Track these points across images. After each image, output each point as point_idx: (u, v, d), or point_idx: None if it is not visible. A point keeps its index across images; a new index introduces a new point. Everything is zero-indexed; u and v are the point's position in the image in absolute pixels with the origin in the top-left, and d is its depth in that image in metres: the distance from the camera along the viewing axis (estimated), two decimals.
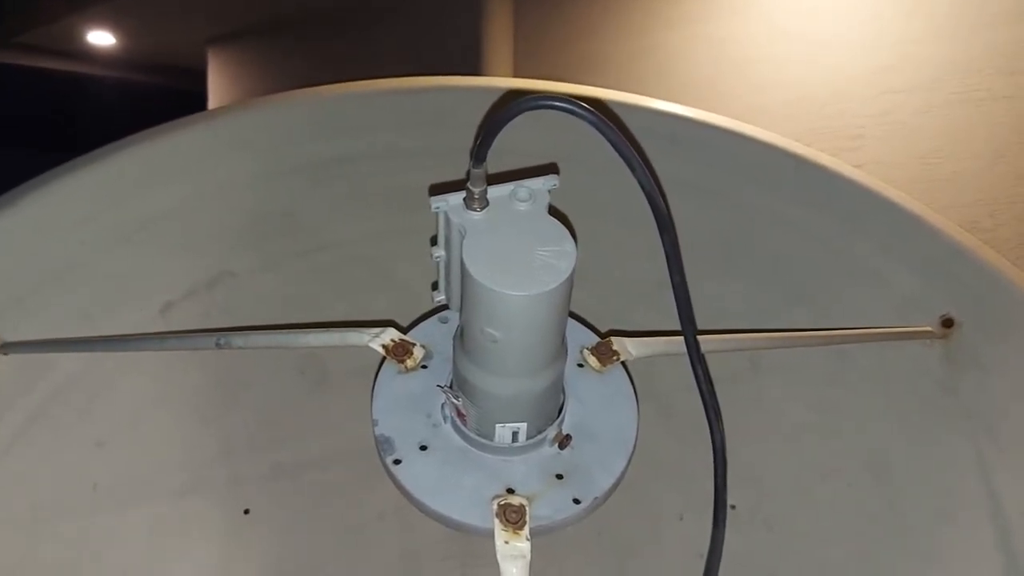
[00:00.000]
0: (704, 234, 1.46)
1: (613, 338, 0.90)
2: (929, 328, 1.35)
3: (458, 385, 0.80)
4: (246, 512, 1.30)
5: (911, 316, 1.38)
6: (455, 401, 0.79)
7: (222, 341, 1.03)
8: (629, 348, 0.90)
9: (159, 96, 4.31)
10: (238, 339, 1.03)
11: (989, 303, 1.35)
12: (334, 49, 3.09)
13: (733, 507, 1.36)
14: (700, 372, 0.72)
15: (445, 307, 0.87)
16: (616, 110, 1.52)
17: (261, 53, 3.82)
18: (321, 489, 1.33)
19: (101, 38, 3.97)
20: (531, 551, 0.74)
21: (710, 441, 0.78)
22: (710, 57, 2.22)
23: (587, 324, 0.90)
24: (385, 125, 1.51)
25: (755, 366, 1.43)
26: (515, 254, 0.71)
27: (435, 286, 0.83)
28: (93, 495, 1.25)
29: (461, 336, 0.77)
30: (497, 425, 0.79)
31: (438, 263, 0.81)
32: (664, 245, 0.72)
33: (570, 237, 0.74)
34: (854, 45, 2.13)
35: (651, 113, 1.55)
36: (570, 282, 0.73)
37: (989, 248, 1.41)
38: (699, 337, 0.80)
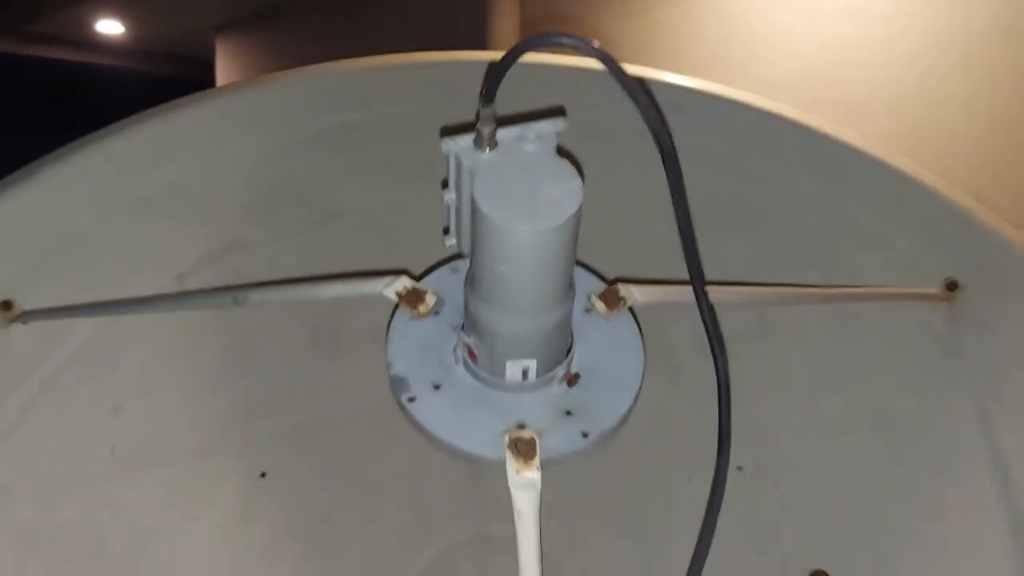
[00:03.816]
0: (708, 201, 1.47)
1: (620, 284, 0.92)
2: (933, 291, 1.37)
3: (470, 325, 0.82)
4: (262, 475, 1.32)
5: (915, 279, 1.40)
6: (467, 340, 0.81)
7: (239, 297, 1.05)
8: (636, 294, 0.92)
9: (167, 85, 4.35)
10: (255, 294, 1.05)
11: (992, 265, 1.36)
12: (342, 33, 3.11)
13: (740, 468, 1.38)
14: (703, 298, 0.73)
15: (456, 257, 0.89)
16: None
17: (269, 40, 3.84)
18: (335, 450, 1.36)
19: (110, 27, 4.00)
20: (541, 481, 0.76)
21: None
22: (715, 31, 2.24)
23: (595, 272, 0.92)
24: (392, 99, 1.53)
25: (761, 328, 1.44)
26: (524, 192, 0.73)
27: (446, 231, 0.85)
28: (110, 459, 1.27)
29: (472, 278, 0.79)
30: (508, 362, 0.81)
31: (448, 206, 0.83)
32: (668, 180, 0.74)
33: (577, 175, 0.76)
34: (856, 16, 2.14)
35: (656, 84, 1.56)
36: (577, 219, 0.74)
37: (992, 211, 1.43)
38: (706, 288, 0.81)
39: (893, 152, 1.51)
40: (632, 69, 1.59)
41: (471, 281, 0.79)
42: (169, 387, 1.35)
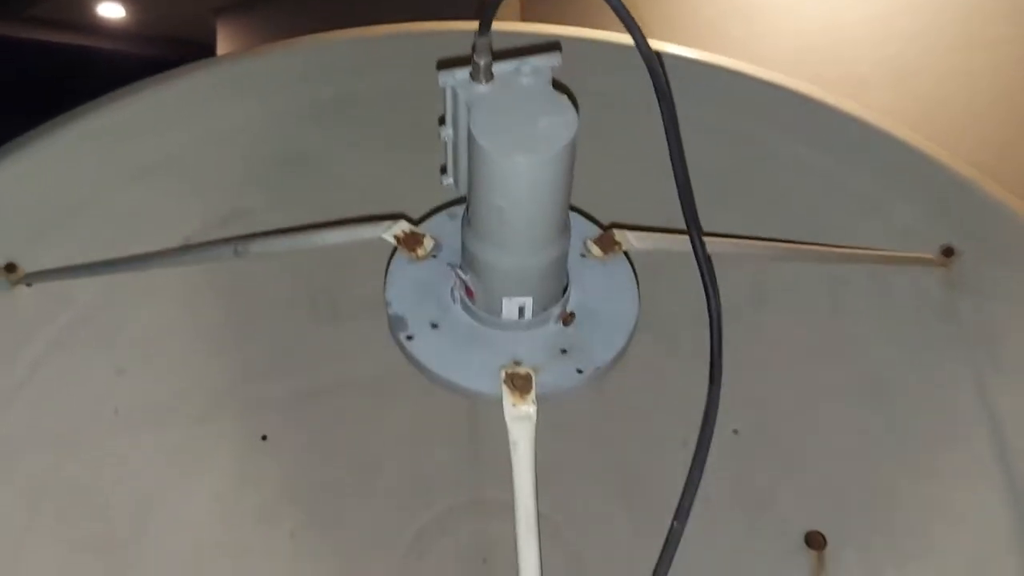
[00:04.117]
0: (704, 170, 1.48)
1: (615, 230, 0.93)
2: (930, 256, 1.38)
3: (467, 264, 0.83)
4: (263, 438, 1.34)
5: (912, 247, 1.41)
6: (464, 278, 0.82)
7: (240, 249, 1.06)
8: (631, 239, 0.93)
9: (169, 68, 4.33)
10: (255, 245, 1.06)
11: (990, 231, 1.37)
12: (341, 15, 3.11)
13: (736, 432, 1.39)
14: (695, 236, 0.73)
15: (454, 203, 0.91)
16: (621, 52, 1.55)
17: (270, 21, 3.84)
18: (334, 416, 1.37)
19: (111, 10, 4.00)
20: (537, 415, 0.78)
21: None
22: (713, 9, 2.24)
23: (591, 218, 0.93)
24: (387, 68, 1.54)
25: (758, 298, 1.45)
26: (520, 123, 0.74)
27: (443, 170, 0.86)
28: (114, 419, 1.28)
29: (469, 215, 0.80)
30: (504, 299, 0.82)
31: (446, 143, 0.83)
32: (662, 114, 0.75)
33: (572, 108, 0.77)
34: None
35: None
36: (572, 150, 0.75)
37: (989, 178, 1.43)
38: (702, 237, 0.82)
39: (895, 123, 1.52)
40: (629, 39, 1.61)
41: (469, 219, 0.80)
42: (171, 351, 1.36)
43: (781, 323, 1.42)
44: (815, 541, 1.28)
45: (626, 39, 1.57)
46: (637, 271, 0.92)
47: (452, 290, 0.87)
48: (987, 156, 1.97)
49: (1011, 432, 1.30)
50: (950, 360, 1.34)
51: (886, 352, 1.37)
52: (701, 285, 0.86)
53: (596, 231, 0.93)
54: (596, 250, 0.91)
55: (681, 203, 0.72)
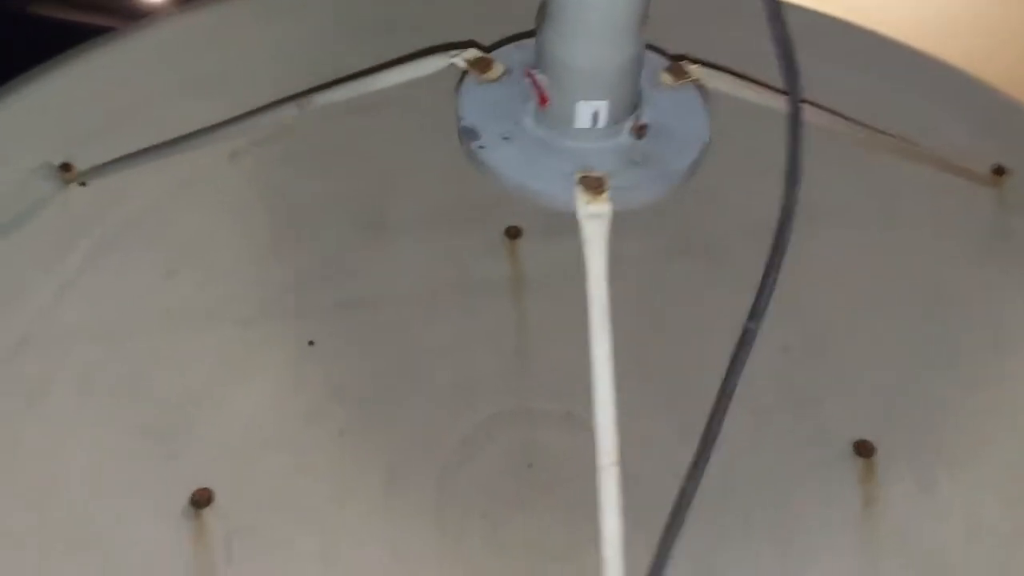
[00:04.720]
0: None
1: (687, 61, 0.94)
2: (982, 172, 1.37)
3: (542, 65, 0.83)
4: (310, 343, 1.34)
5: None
6: (539, 79, 0.82)
7: (303, 103, 1.07)
8: (702, 75, 0.94)
9: None
10: (319, 97, 1.07)
11: None
12: None
13: (786, 348, 1.38)
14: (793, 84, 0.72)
15: (522, 35, 0.91)
16: None
17: None
18: (382, 324, 1.38)
19: None
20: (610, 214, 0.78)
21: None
22: None
23: (662, 52, 0.94)
24: None
25: (808, 215, 1.45)
26: None
27: None
28: (163, 319, 1.30)
29: (547, 11, 0.80)
30: (579, 103, 0.82)
31: None
32: None
33: None
34: None
35: None
36: None
37: None
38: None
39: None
40: None
41: (546, 15, 0.81)
42: (220, 257, 1.37)
43: (831, 240, 1.42)
44: (864, 449, 1.26)
45: None
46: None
47: (524, 103, 0.87)
48: None
49: None
50: (1001, 274, 1.33)
51: (938, 267, 1.37)
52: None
53: (667, 62, 0.93)
54: (667, 77, 0.92)
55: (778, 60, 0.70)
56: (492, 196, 1.48)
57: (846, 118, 1.16)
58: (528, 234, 1.46)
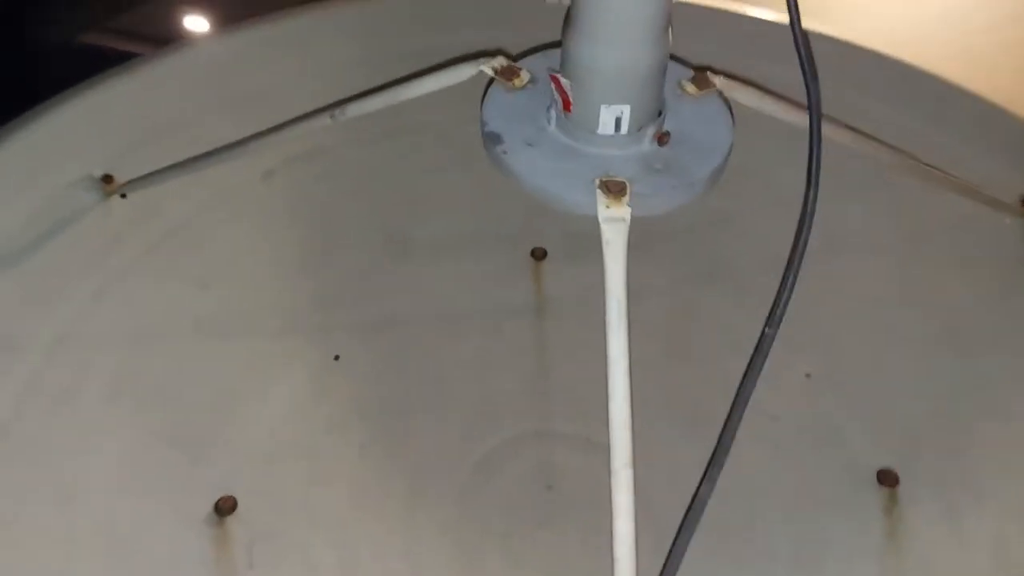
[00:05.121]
0: (787, 126, 1.51)
1: (710, 73, 0.95)
2: (1009, 202, 1.37)
3: (566, 70, 0.85)
4: (336, 358, 1.36)
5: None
6: (563, 82, 0.84)
7: (336, 114, 1.10)
8: (726, 86, 0.95)
9: None
10: (351, 108, 1.10)
11: None
12: None
13: (808, 375, 1.38)
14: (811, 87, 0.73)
15: (547, 46, 0.93)
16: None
17: None
18: (406, 343, 1.39)
19: (196, 24, 4.16)
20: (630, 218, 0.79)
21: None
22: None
23: (686, 63, 0.95)
24: (477, 22, 1.60)
25: (831, 245, 1.45)
26: None
27: None
28: (194, 327, 1.32)
29: (572, 17, 0.82)
30: (602, 107, 0.83)
31: None
32: None
33: None
34: None
35: (739, 18, 1.63)
36: None
37: None
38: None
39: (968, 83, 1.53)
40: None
41: (571, 20, 0.83)
42: (252, 271, 1.41)
43: (856, 270, 1.42)
44: (888, 478, 1.25)
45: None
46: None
47: (548, 109, 0.89)
48: None
49: None
50: None
51: (963, 299, 1.36)
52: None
53: (690, 72, 0.95)
54: (691, 87, 0.94)
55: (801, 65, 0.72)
56: (518, 218, 1.52)
57: (868, 136, 1.17)
58: (553, 256, 1.48)
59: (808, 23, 1.59)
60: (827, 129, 1.19)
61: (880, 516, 1.23)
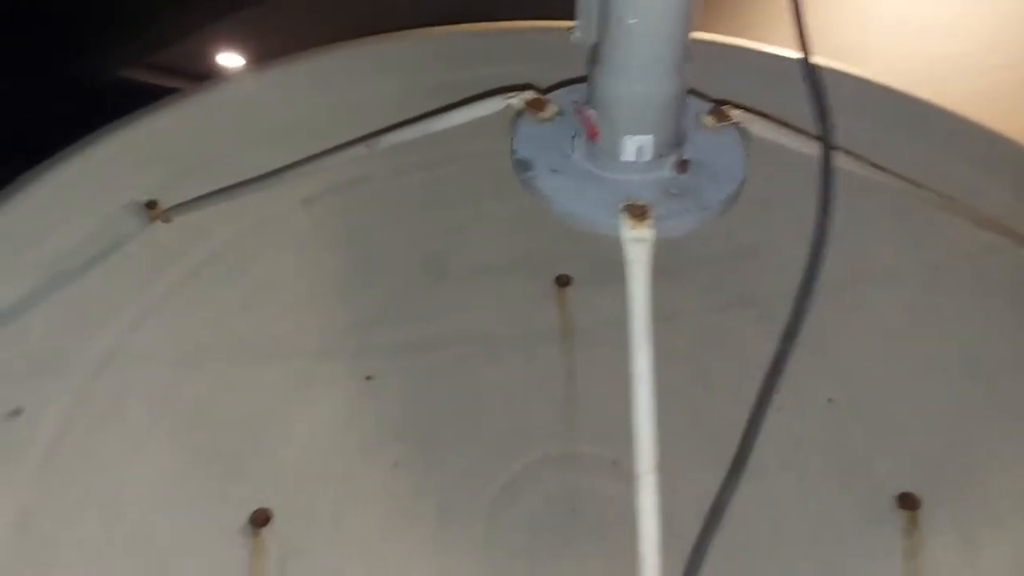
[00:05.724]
0: (802, 158, 1.55)
1: (729, 107, 1.00)
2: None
3: (592, 102, 0.90)
4: (368, 379, 1.40)
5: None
6: (589, 113, 0.89)
7: (371, 144, 1.15)
8: (744, 119, 0.99)
9: None
10: (385, 139, 1.15)
11: None
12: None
13: (831, 400, 1.40)
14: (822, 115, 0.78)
15: (574, 81, 0.98)
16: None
17: None
18: (439, 365, 1.43)
19: (231, 60, 4.25)
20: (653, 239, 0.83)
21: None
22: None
23: (704, 97, 1.00)
24: (508, 58, 1.65)
25: (853, 276, 1.48)
26: None
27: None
28: (234, 349, 1.37)
29: (598, 52, 0.87)
30: (626, 137, 0.88)
31: None
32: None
33: None
34: (950, 29, 2.20)
35: (757, 54, 1.67)
36: None
37: None
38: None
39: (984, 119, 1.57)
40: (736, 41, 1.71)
41: (597, 55, 0.88)
42: (291, 294, 1.45)
43: (877, 300, 1.45)
44: (908, 502, 1.27)
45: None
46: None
47: (573, 139, 0.94)
48: None
49: None
50: None
51: (982, 329, 1.38)
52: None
53: (710, 106, 1.00)
54: (710, 120, 0.98)
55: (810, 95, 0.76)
56: (545, 246, 1.56)
57: (890, 171, 1.21)
58: (577, 282, 1.52)
59: (830, 63, 1.64)
60: (849, 163, 1.24)
61: (900, 539, 1.25)
